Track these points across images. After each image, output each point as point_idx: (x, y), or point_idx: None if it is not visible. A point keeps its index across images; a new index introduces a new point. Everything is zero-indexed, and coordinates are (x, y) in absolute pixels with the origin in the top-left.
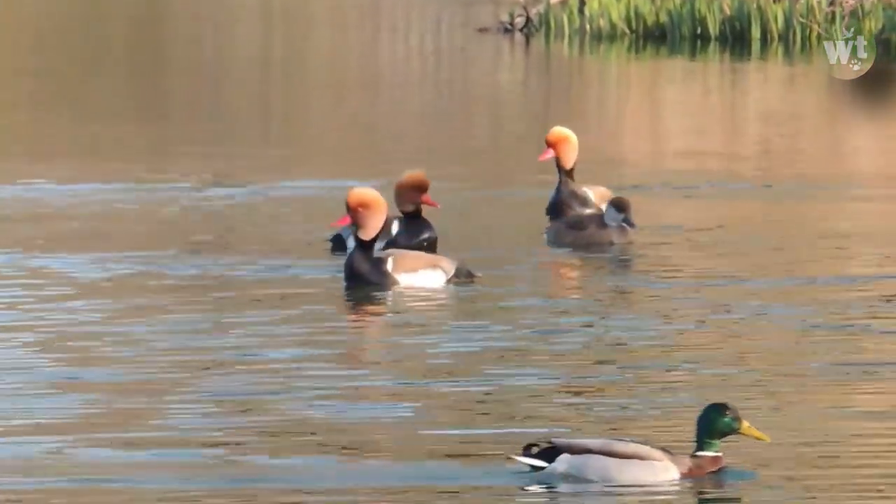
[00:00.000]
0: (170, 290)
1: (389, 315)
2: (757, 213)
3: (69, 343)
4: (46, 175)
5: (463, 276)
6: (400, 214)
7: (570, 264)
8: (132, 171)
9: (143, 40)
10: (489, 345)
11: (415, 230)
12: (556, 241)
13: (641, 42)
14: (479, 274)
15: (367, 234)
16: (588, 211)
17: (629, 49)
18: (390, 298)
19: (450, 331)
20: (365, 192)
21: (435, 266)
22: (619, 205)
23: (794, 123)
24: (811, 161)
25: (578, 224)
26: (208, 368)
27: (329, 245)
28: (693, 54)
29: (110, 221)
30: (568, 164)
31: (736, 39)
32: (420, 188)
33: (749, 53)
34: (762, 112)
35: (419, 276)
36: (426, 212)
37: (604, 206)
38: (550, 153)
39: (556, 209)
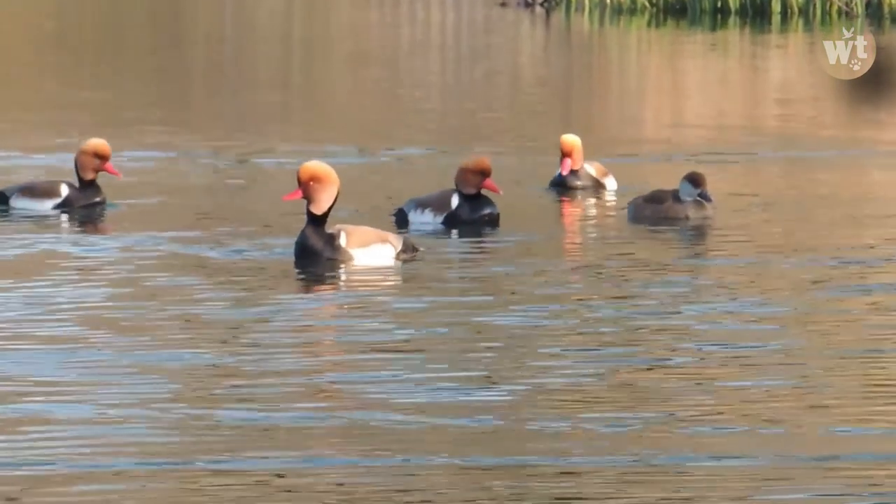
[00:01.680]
0: (204, 270)
1: (476, 296)
2: (797, 183)
3: (125, 325)
4: (68, 146)
5: (409, 251)
6: (455, 188)
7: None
8: (155, 143)
9: (163, 16)
10: (575, 324)
11: (476, 205)
12: (635, 215)
13: (662, 16)
14: (422, 248)
15: (320, 209)
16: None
17: (649, 23)
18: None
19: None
20: (317, 165)
21: (385, 241)
22: (694, 179)
23: (814, 95)
24: (835, 131)
25: (657, 198)
26: (265, 348)
27: (392, 220)
28: (713, 28)
29: (131, 196)
30: (578, 166)
31: (756, 13)
32: (484, 173)
33: (769, 27)
34: (783, 84)
35: (371, 251)
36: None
37: (605, 180)
38: (569, 162)
39: (557, 184)
